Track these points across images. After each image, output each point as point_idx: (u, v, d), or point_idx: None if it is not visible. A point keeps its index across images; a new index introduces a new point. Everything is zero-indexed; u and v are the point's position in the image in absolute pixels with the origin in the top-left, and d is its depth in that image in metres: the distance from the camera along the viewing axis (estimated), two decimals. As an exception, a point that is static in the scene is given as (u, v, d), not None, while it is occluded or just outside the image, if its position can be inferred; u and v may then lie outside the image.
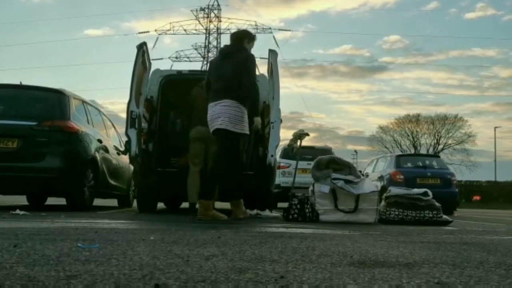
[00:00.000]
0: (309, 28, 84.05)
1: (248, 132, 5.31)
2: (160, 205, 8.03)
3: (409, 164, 13.02)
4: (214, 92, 5.20)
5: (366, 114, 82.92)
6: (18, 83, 6.91)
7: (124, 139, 7.01)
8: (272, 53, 6.26)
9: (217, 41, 54.87)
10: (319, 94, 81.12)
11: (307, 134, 6.75)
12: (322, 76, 78.06)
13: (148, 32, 54.98)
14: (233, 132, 5.05)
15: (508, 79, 76.05)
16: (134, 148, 6.11)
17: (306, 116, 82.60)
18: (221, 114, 5.05)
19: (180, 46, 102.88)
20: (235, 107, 5.05)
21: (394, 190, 6.15)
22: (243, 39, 5.33)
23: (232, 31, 55.55)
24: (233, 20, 55.18)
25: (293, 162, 11.29)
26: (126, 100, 6.08)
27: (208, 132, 5.51)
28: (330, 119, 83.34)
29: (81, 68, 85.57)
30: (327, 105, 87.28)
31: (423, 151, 48.82)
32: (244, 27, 54.54)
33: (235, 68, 5.07)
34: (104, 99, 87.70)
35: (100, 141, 7.18)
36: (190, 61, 54.76)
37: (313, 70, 76.60)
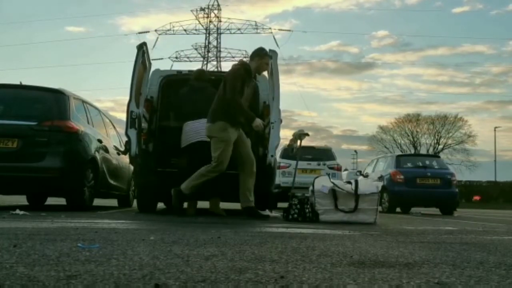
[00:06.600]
0: (294, 23, 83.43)
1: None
2: (160, 205, 8.02)
3: (409, 164, 13.02)
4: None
5: (358, 112, 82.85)
6: (18, 83, 6.91)
7: (124, 139, 7.01)
8: (272, 53, 6.26)
9: (217, 41, 54.93)
10: (308, 92, 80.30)
11: (307, 134, 6.75)
12: (310, 73, 77.47)
13: (148, 32, 55.13)
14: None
15: (500, 75, 75.91)
16: (134, 148, 6.11)
17: (298, 114, 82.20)
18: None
19: (180, 46, 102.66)
20: None
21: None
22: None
23: (232, 31, 54.86)
24: (233, 20, 55.25)
25: (293, 162, 11.28)
26: (115, 98, 6.07)
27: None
28: (322, 117, 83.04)
29: (70, 66, 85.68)
30: (318, 103, 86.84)
31: (423, 151, 48.81)
32: (244, 27, 54.70)
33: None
34: (91, 97, 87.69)
35: (100, 141, 7.18)
36: (190, 61, 54.86)
37: (300, 67, 76.28)
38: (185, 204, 6.14)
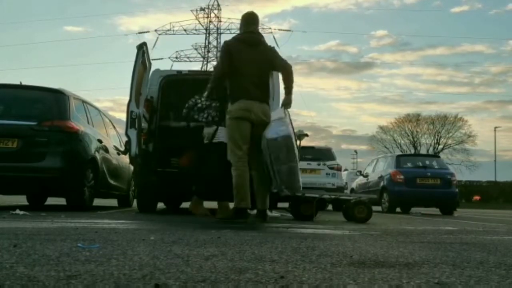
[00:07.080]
0: (292, 23, 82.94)
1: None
2: (160, 205, 8.02)
3: (409, 164, 13.03)
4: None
5: (358, 112, 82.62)
6: (18, 83, 6.91)
7: (124, 139, 7.01)
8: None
9: (217, 41, 54.90)
10: (307, 92, 79.30)
11: (306, 135, 6.76)
12: (309, 73, 76.72)
13: (148, 32, 55.13)
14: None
15: (499, 75, 75.64)
16: (134, 148, 6.11)
17: (297, 114, 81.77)
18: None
19: (180, 46, 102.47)
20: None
21: None
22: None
23: (232, 31, 54.52)
24: (233, 20, 55.23)
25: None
26: (114, 98, 6.07)
27: (257, 108, 4.83)
28: (321, 117, 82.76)
29: (69, 66, 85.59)
30: (317, 103, 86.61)
31: (423, 151, 48.80)
32: (244, 27, 54.57)
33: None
34: (91, 97, 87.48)
35: (100, 141, 7.18)
36: (190, 61, 54.84)
37: (299, 67, 76.02)
38: (183, 204, 6.13)
